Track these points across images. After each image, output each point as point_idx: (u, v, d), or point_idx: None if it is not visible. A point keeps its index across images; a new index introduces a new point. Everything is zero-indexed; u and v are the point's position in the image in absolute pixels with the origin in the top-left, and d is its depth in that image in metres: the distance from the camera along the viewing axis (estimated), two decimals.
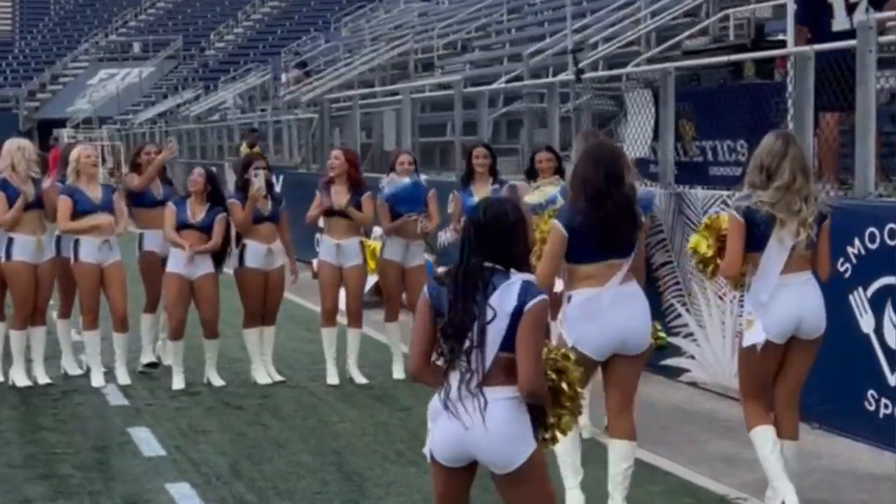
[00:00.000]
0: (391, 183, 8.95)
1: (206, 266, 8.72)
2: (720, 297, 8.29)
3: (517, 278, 4.05)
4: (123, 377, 8.93)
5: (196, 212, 8.70)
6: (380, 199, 9.04)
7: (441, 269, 4.97)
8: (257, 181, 8.59)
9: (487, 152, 9.02)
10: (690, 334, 8.67)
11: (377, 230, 10.26)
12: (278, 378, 8.96)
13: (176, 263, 8.69)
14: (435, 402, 4.10)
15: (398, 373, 9.01)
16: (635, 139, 9.60)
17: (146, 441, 7.32)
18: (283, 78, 34.56)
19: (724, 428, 7.44)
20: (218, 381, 8.85)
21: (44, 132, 39.53)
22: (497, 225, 4.08)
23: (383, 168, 16.55)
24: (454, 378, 4.02)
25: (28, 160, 8.67)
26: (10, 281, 8.69)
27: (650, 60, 9.91)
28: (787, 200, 5.44)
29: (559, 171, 8.38)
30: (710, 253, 5.83)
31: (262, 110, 30.64)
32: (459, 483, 4.15)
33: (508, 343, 3.99)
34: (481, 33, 25.77)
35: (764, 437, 5.61)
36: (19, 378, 8.84)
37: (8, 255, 8.64)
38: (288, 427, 7.65)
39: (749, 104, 8.66)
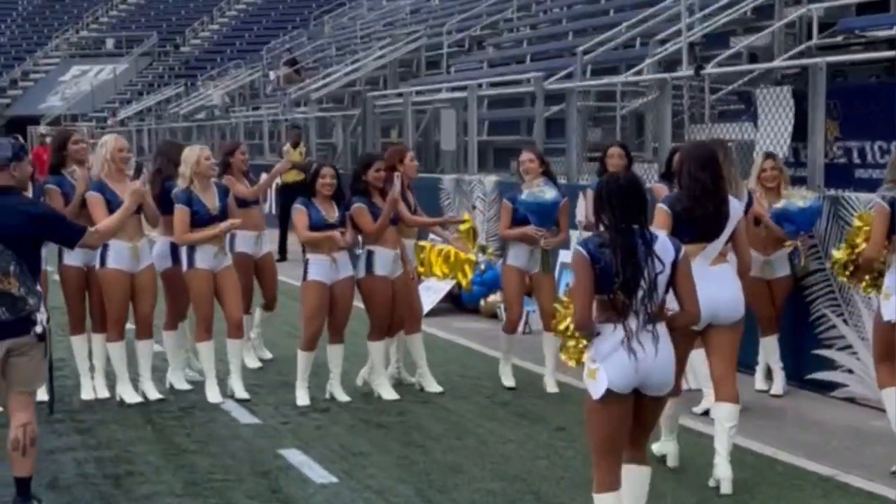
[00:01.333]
0: (531, 192, 8.37)
1: (347, 269, 8.12)
2: None
3: (660, 234, 4.99)
4: (241, 391, 8.29)
5: (329, 211, 8.07)
6: (505, 201, 8.55)
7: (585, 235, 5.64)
8: (397, 182, 7.98)
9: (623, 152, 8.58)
10: (848, 347, 8.18)
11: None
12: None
13: (319, 271, 8.03)
14: (603, 346, 4.81)
15: (551, 386, 8.51)
16: (768, 139, 9.10)
17: (307, 465, 6.70)
18: (272, 76, 33.89)
19: None
20: (343, 397, 8.23)
21: (16, 129, 38.35)
22: (636, 191, 4.93)
23: (435, 168, 16.24)
24: (632, 321, 4.77)
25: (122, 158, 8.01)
26: (105, 289, 7.99)
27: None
28: None
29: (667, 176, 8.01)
30: (845, 257, 6.65)
31: (256, 108, 29.94)
32: (626, 413, 4.87)
33: (667, 287, 4.89)
34: (491, 31, 25.20)
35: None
36: (128, 395, 8.16)
37: (103, 263, 7.95)
38: (449, 449, 7.06)
39: None
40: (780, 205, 7.96)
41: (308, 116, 22.49)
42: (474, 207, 12.87)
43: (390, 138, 18.04)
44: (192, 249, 8.05)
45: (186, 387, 8.52)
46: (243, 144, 10.19)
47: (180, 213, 7.97)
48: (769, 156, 8.24)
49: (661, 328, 4.86)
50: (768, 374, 8.52)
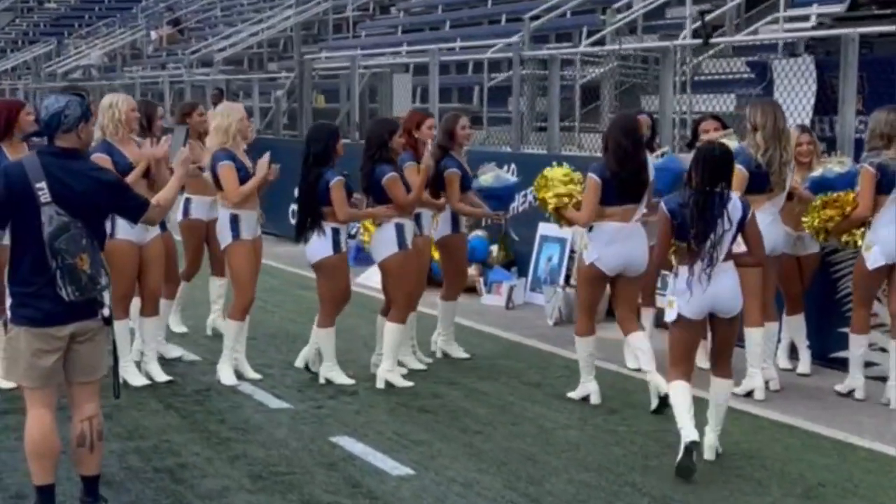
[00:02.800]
0: (497, 176, 7.99)
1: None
2: None
3: (734, 195, 6.04)
4: (249, 371, 7.71)
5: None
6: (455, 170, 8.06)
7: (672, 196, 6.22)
8: (430, 149, 7.48)
9: None
10: (881, 325, 8.02)
11: None
12: (418, 367, 8.05)
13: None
14: (678, 284, 5.98)
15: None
16: (788, 112, 8.86)
17: (372, 455, 6.16)
18: (154, 35, 32.53)
19: None
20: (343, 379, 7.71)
21: None
22: (726, 158, 5.99)
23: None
24: (700, 265, 5.88)
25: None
26: (114, 262, 7.20)
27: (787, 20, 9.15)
28: None
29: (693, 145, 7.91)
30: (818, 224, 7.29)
31: (143, 69, 28.63)
32: (699, 331, 6.13)
33: (734, 239, 5.99)
34: None
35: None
36: (132, 376, 7.45)
37: (112, 233, 6.98)
38: (511, 436, 6.61)
39: None
40: (817, 173, 7.75)
41: (212, 78, 21.52)
42: None
43: (315, 103, 17.36)
44: (237, 219, 7.47)
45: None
46: (200, 105, 9.50)
47: (230, 171, 7.50)
48: (804, 129, 8.03)
49: (727, 265, 5.97)
50: (792, 353, 8.34)
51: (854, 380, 7.59)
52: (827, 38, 8.91)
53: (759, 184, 7.23)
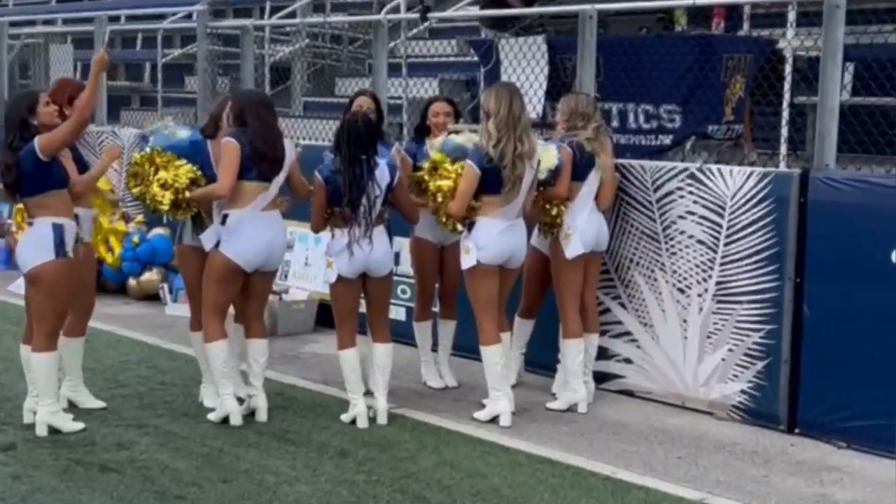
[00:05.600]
0: (449, 139, 6.71)
1: None
2: (680, 290, 6.96)
3: (381, 162, 6.31)
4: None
5: None
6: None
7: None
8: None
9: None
10: (626, 334, 7.27)
11: None
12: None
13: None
14: (335, 245, 6.32)
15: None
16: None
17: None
18: None
19: (750, 453, 6.18)
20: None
21: None
22: (369, 129, 6.27)
23: None
24: (356, 229, 6.25)
25: None
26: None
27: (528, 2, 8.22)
28: (602, 139, 6.76)
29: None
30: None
31: None
32: (355, 292, 6.46)
33: (386, 202, 6.37)
34: None
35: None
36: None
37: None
38: (227, 498, 5.26)
39: (690, 59, 7.36)
40: (439, 140, 6.89)
41: None
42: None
43: None
44: None
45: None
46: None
47: None
48: (447, 101, 7.32)
49: (380, 229, 6.35)
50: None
51: (574, 393, 6.84)
52: (560, 15, 8.05)
53: (492, 182, 6.35)
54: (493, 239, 6.36)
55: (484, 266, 6.40)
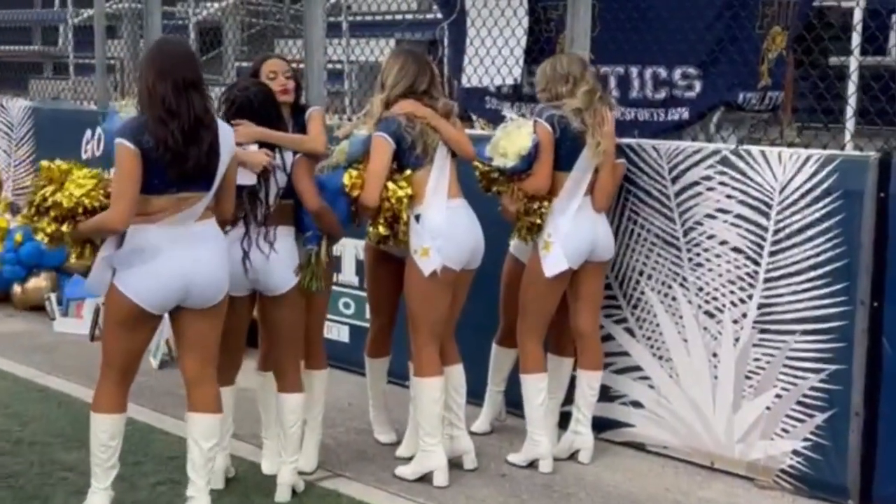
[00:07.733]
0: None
1: None
2: (708, 314, 5.27)
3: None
4: None
5: None
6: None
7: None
8: None
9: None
10: (636, 368, 5.57)
11: None
12: None
13: None
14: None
15: None
16: (491, 61, 6.28)
17: None
18: None
19: None
20: None
21: None
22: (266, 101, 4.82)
23: None
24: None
25: None
26: None
27: None
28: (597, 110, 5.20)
29: None
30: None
31: None
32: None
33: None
34: None
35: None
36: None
37: None
38: None
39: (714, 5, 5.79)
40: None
41: None
42: None
43: None
44: None
45: None
46: None
47: None
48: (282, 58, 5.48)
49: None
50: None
51: (535, 445, 5.32)
52: None
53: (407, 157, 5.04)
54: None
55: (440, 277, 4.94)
